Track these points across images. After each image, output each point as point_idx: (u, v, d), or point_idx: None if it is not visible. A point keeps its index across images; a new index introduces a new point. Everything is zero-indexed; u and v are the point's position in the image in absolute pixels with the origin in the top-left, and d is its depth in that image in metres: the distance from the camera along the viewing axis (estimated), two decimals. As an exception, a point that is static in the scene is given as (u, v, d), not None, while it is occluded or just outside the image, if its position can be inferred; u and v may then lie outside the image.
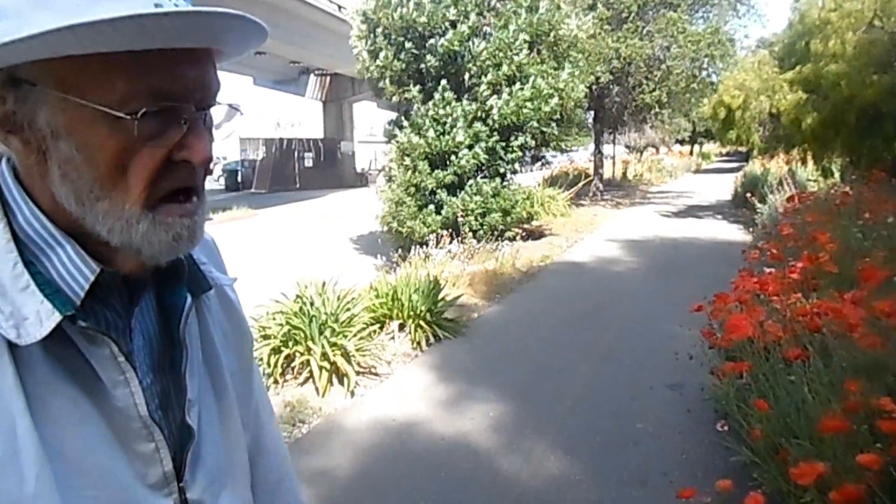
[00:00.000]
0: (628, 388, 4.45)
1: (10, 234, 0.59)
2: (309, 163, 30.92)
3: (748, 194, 12.56)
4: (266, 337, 4.53)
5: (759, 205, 10.83)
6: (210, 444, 0.72)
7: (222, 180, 31.38)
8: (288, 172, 29.86)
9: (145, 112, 0.56)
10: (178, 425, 0.69)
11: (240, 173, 29.58)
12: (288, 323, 4.52)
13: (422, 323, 5.42)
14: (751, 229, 11.08)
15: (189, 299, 0.71)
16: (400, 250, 8.51)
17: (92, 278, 0.61)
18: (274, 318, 4.64)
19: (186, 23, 0.54)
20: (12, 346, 0.56)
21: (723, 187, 20.75)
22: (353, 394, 4.38)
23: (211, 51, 0.61)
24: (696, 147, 48.90)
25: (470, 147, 9.35)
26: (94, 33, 0.51)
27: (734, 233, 11.94)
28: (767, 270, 4.46)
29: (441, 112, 9.39)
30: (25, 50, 0.53)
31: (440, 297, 5.78)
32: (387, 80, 9.69)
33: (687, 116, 24.81)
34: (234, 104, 0.67)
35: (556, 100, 9.54)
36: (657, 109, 18.23)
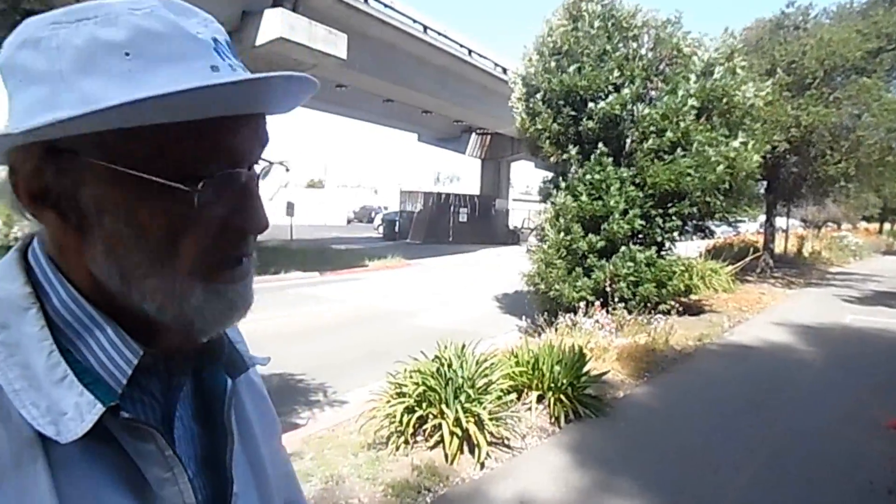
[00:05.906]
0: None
1: (44, 321, 0.52)
2: (463, 217, 31.86)
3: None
4: (401, 395, 4.49)
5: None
6: None
7: (381, 229, 33.29)
8: (443, 226, 30.98)
9: (205, 183, 0.51)
10: None
11: (397, 223, 31.28)
12: (424, 383, 4.46)
13: (562, 397, 5.11)
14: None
15: (230, 382, 0.66)
16: (546, 314, 8.25)
17: (135, 362, 0.54)
18: (410, 377, 4.59)
19: (245, 91, 0.50)
20: (46, 448, 0.49)
21: (921, 273, 18.17)
22: (482, 465, 4.18)
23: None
24: (887, 225, 43.78)
25: (624, 213, 8.96)
26: (158, 106, 0.46)
27: (936, 328, 10.29)
28: None
29: (595, 176, 9.12)
30: (76, 124, 0.46)
31: (584, 370, 5.45)
32: (545, 142, 9.64)
33: (878, 192, 22.27)
34: (283, 162, 0.59)
35: (722, 167, 8.89)
36: (842, 183, 16.55)
